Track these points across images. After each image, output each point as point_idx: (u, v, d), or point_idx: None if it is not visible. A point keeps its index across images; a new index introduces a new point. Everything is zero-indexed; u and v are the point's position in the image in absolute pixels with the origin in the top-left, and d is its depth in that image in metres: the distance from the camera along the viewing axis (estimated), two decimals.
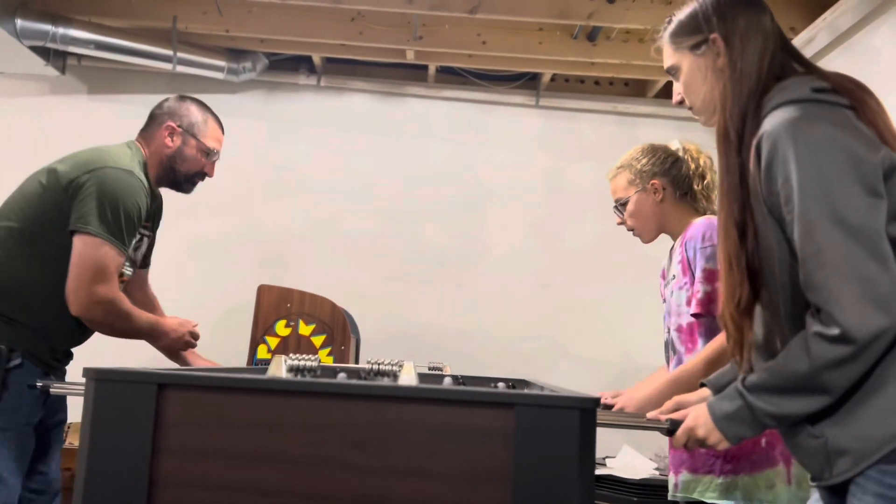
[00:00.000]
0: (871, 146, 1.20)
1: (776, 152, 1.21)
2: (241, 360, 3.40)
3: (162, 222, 2.46)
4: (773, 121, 1.23)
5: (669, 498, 1.97)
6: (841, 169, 1.16)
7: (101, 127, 4.17)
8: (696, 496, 1.84)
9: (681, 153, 2.08)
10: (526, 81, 4.23)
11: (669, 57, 1.46)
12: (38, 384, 1.66)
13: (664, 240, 2.14)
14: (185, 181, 2.30)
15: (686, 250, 1.92)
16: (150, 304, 2.46)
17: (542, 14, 3.46)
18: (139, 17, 3.80)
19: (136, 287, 2.43)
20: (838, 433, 1.18)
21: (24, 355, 2.01)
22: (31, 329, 2.04)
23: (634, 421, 1.64)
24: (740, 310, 1.28)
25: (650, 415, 1.55)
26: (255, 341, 3.35)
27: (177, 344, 2.27)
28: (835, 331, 1.13)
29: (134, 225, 2.11)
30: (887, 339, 1.13)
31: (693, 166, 2.06)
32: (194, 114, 2.28)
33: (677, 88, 1.45)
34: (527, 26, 3.74)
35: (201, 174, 2.32)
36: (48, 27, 3.65)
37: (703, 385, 1.56)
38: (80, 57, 4.06)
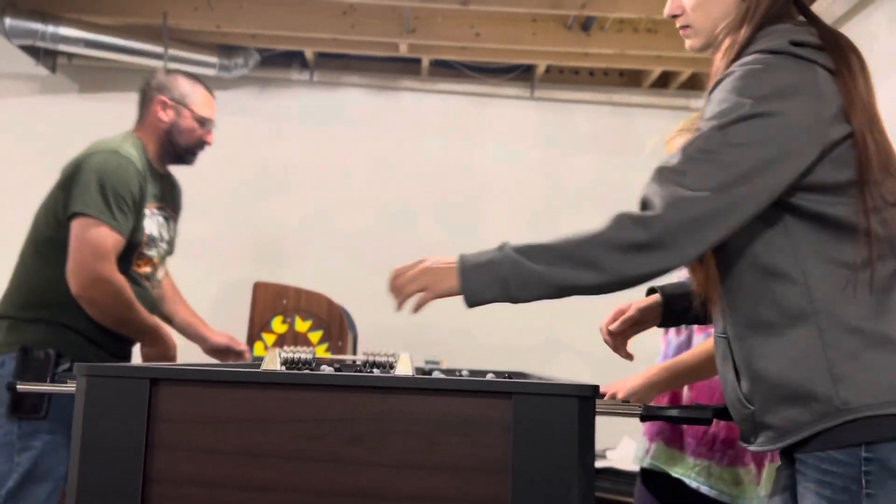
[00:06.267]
0: (816, 122, 1.14)
1: (717, 86, 1.20)
2: None
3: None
4: (739, 65, 1.19)
5: (637, 464, 1.97)
6: (765, 149, 1.13)
7: (92, 126, 4.13)
8: (664, 467, 1.85)
9: None
10: (520, 73, 4.21)
11: None
12: (19, 385, 1.60)
13: None
14: (185, 153, 2.29)
15: None
16: (179, 299, 2.52)
17: (536, 4, 3.44)
18: (129, 14, 3.78)
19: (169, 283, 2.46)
20: (763, 409, 1.18)
21: (74, 360, 2.01)
22: (74, 332, 2.06)
23: (627, 409, 1.63)
24: None
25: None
26: (252, 339, 3.34)
27: (168, 353, 2.21)
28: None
29: (126, 202, 2.07)
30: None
31: None
32: (183, 85, 2.27)
33: (678, 1, 1.33)
34: (520, 17, 3.72)
35: (201, 144, 2.30)
36: (38, 26, 3.62)
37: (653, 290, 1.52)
38: (70, 56, 4.03)
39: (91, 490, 1.14)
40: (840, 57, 1.20)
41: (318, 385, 1.15)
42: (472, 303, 1.22)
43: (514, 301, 1.20)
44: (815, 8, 3.07)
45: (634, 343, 1.57)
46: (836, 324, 1.12)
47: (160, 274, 2.31)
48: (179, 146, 2.26)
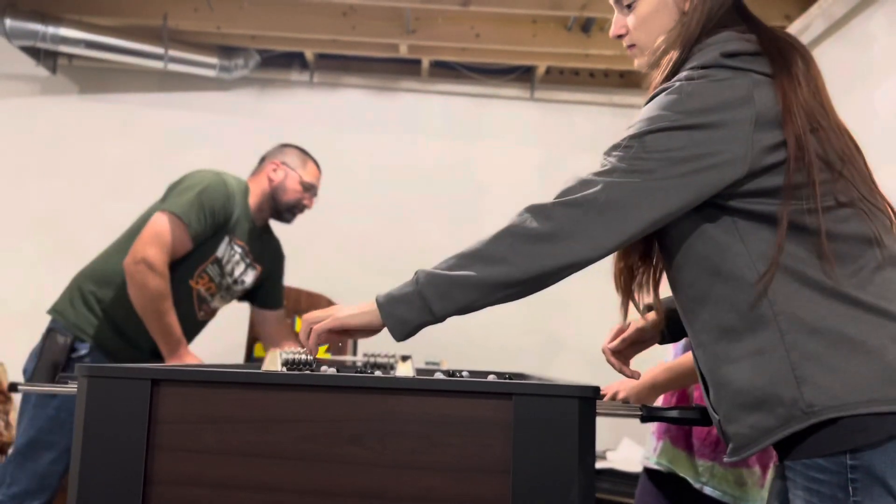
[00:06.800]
0: (744, 132, 1.12)
1: (648, 103, 1.20)
2: (238, 359, 3.38)
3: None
4: (674, 81, 1.18)
5: (644, 462, 1.97)
6: (681, 156, 1.13)
7: (92, 127, 4.16)
8: (670, 465, 1.85)
9: None
10: (520, 74, 4.22)
11: None
12: (20, 386, 1.65)
13: None
14: (285, 210, 2.55)
15: None
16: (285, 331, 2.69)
17: (536, 6, 3.45)
18: (130, 16, 3.78)
19: (270, 331, 2.71)
20: (728, 417, 1.16)
21: (96, 346, 2.20)
22: (110, 320, 2.23)
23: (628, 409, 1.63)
24: None
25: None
26: (252, 340, 3.33)
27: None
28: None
29: (205, 212, 2.26)
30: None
31: None
32: (296, 154, 2.60)
33: (621, 21, 1.33)
34: (520, 18, 3.72)
35: (300, 205, 2.57)
36: (38, 27, 3.63)
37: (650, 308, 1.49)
38: (70, 57, 4.03)
39: (92, 491, 1.14)
40: (780, 61, 1.17)
41: (319, 386, 1.15)
42: (398, 332, 1.21)
43: (439, 316, 1.19)
44: (814, 9, 3.09)
45: None
46: (797, 325, 1.10)
47: (216, 303, 2.46)
48: (281, 202, 2.53)
